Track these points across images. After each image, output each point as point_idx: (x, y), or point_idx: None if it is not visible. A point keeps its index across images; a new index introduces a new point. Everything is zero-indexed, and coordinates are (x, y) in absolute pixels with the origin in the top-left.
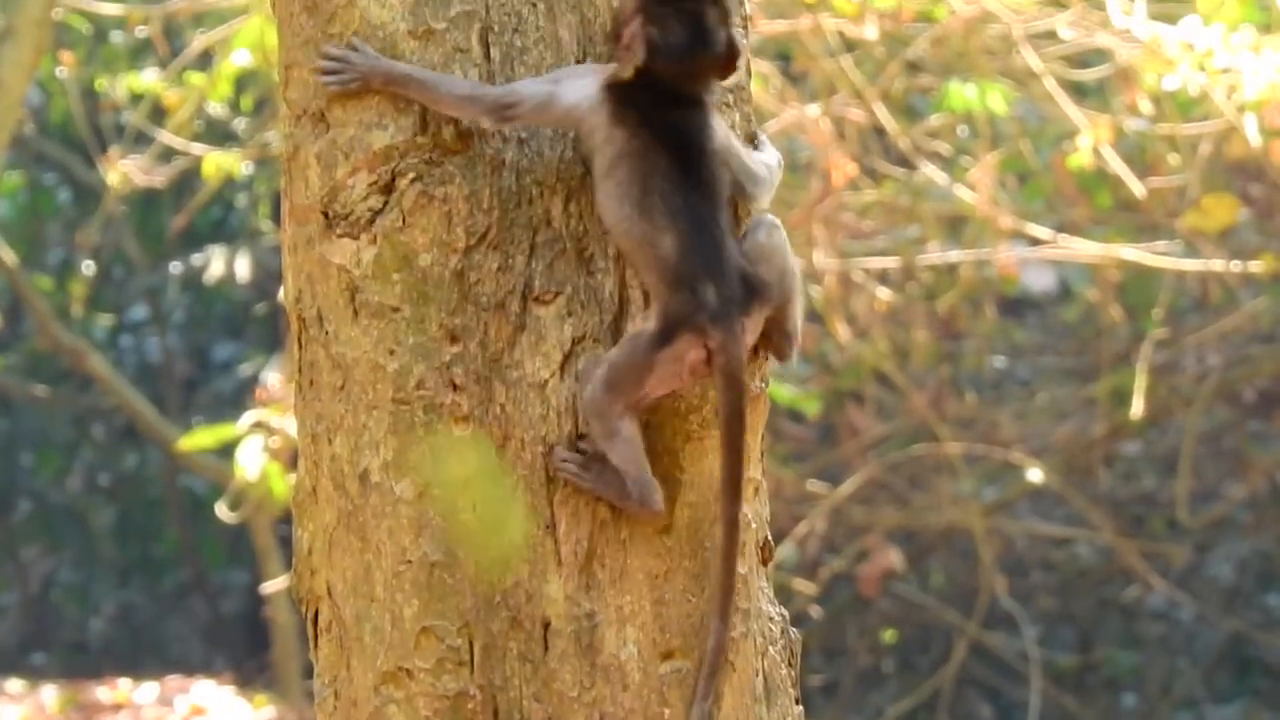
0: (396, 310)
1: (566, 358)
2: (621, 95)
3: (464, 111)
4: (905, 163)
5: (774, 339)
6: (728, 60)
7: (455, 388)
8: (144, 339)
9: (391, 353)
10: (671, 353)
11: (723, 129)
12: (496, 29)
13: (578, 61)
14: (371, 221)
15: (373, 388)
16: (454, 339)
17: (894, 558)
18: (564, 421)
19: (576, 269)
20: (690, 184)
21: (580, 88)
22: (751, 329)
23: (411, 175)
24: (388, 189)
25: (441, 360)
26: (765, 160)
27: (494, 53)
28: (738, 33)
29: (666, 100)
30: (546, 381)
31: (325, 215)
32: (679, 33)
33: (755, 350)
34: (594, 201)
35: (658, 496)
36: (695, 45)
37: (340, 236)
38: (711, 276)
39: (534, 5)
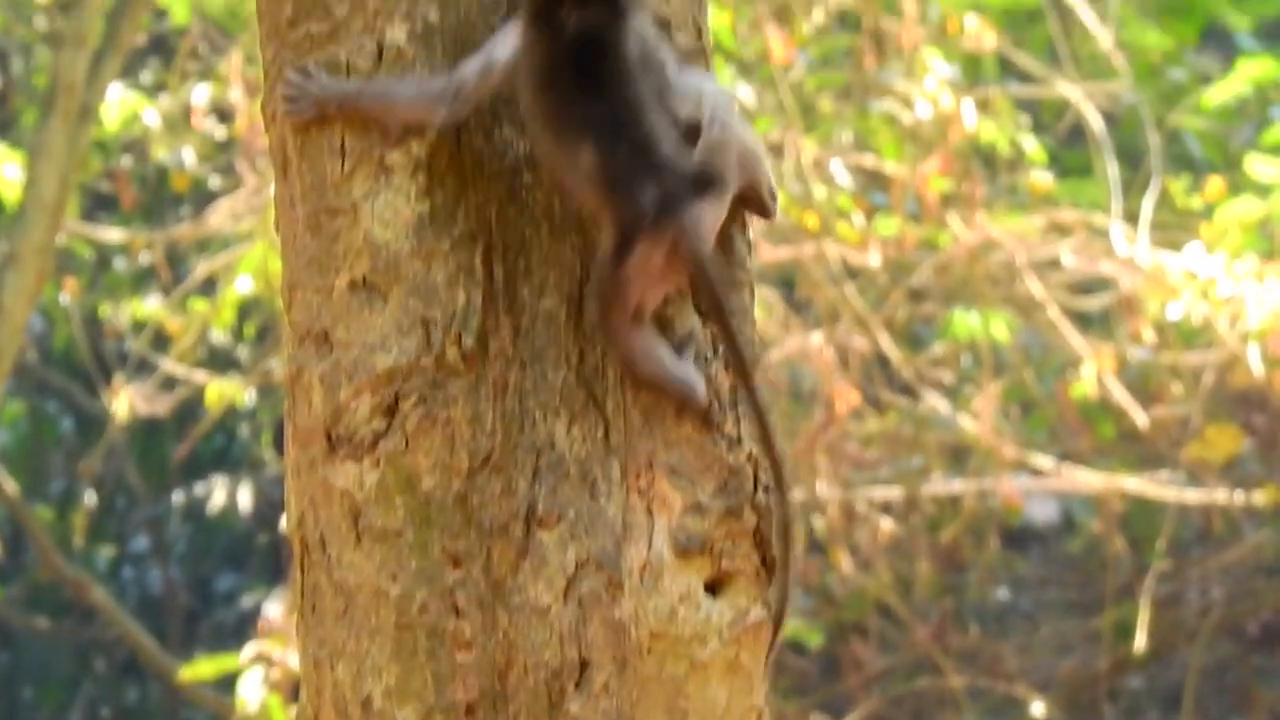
0: (399, 534)
1: (570, 583)
2: (534, 26)
3: (418, 112)
4: (909, 391)
5: (753, 205)
6: None
7: (458, 613)
8: (146, 570)
9: (394, 577)
10: (635, 263)
11: (648, 36)
12: (500, 249)
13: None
14: (375, 444)
15: (375, 613)
16: (457, 563)
17: None
18: (568, 647)
19: (580, 492)
20: (601, 92)
21: (507, 41)
22: (712, 213)
23: (415, 397)
24: (391, 411)
25: (444, 585)
26: (697, 81)
27: (497, 273)
28: None
29: (576, 17)
30: (550, 607)
31: (328, 438)
32: None
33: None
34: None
35: (700, 390)
36: None
37: (343, 460)
38: (647, 175)
39: (537, 225)
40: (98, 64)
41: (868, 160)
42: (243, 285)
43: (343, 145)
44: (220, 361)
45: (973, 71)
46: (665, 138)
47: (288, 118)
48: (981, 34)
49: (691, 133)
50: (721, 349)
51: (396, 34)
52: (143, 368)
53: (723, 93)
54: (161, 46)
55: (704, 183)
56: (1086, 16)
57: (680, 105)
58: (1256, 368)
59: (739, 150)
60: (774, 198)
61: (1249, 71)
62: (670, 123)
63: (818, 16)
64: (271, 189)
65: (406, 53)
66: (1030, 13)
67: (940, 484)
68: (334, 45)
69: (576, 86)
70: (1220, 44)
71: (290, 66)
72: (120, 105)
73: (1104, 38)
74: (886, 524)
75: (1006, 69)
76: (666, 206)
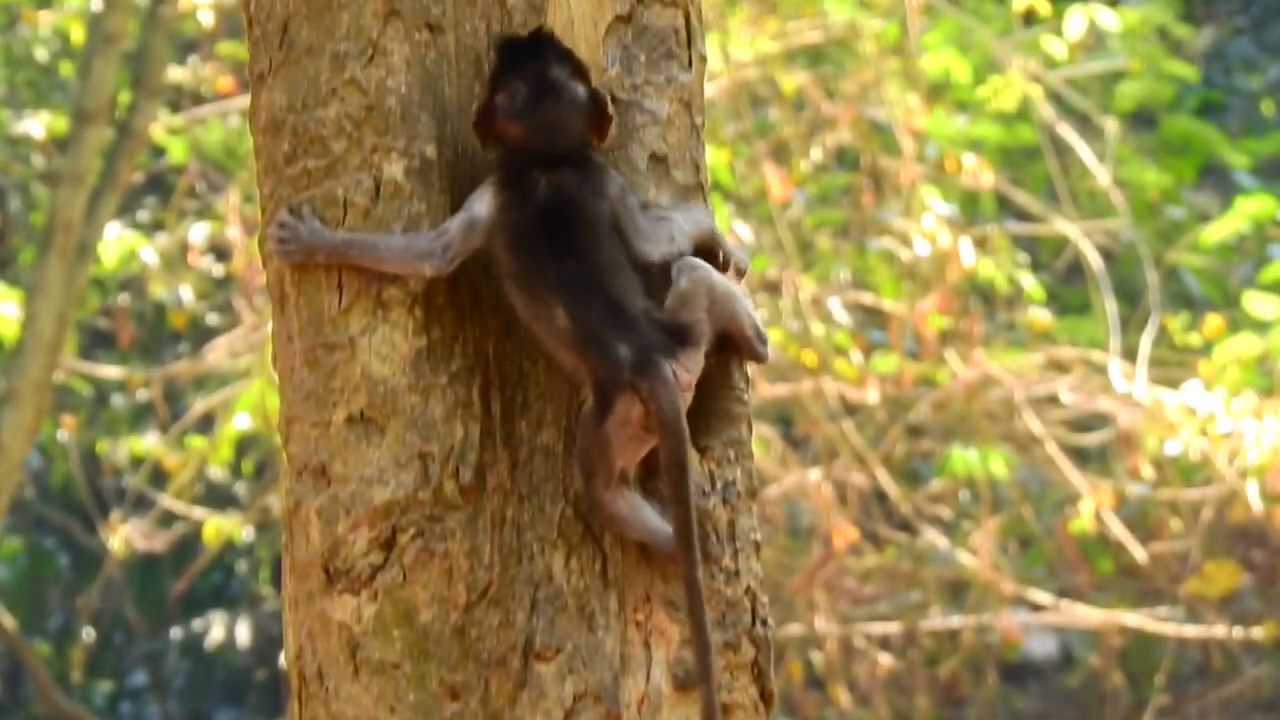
0: (397, 667)
1: (568, 715)
2: (507, 187)
3: (407, 266)
4: (907, 527)
5: (743, 350)
6: (593, 112)
7: None
8: (144, 705)
9: (392, 710)
10: (616, 419)
11: (614, 188)
12: (497, 384)
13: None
14: (372, 577)
15: None
16: (455, 696)
17: None
18: None
19: (578, 625)
20: (568, 252)
21: (484, 200)
22: (686, 370)
23: (412, 531)
24: (389, 544)
25: (442, 718)
26: (666, 218)
27: (494, 407)
28: (602, 90)
29: (546, 173)
30: None
31: (326, 571)
32: (524, 91)
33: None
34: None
35: (663, 531)
36: (542, 99)
37: (341, 593)
38: (620, 333)
39: (534, 361)
40: (95, 202)
41: (866, 297)
42: (240, 421)
43: (340, 281)
44: (218, 497)
45: (971, 209)
46: (636, 295)
47: (279, 259)
48: (979, 172)
49: (664, 275)
50: (719, 485)
51: (394, 170)
52: (140, 504)
53: (691, 233)
54: (159, 184)
55: (678, 336)
56: (1085, 154)
57: (653, 249)
58: (1255, 503)
59: (712, 296)
60: (763, 340)
61: (1247, 209)
62: (639, 281)
63: (815, 154)
64: (269, 325)
65: (404, 188)
66: (1028, 150)
67: (939, 619)
68: (331, 181)
69: (548, 248)
70: (1219, 181)
71: (285, 204)
72: (118, 243)
73: (1102, 175)
74: (885, 659)
75: (1005, 206)
76: (641, 364)
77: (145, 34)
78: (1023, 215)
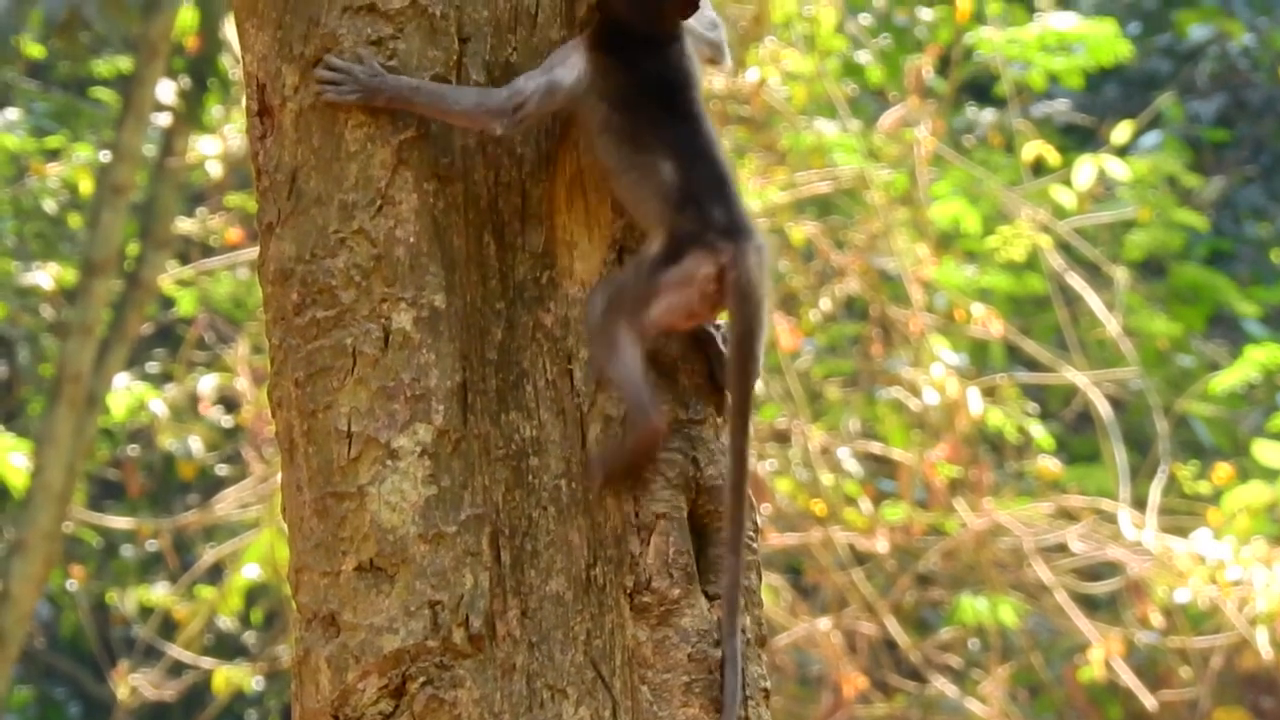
0: None
1: None
2: (604, 54)
3: (475, 120)
4: (916, 676)
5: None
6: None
7: None
8: None
9: None
10: (680, 272)
11: (698, 64)
12: (507, 532)
13: None
14: None
15: None
16: None
17: None
18: None
19: None
20: (681, 117)
21: (570, 66)
22: (762, 255)
23: (422, 679)
24: (398, 693)
25: None
26: (714, 19)
27: (504, 556)
28: None
29: (643, 46)
30: None
31: (336, 719)
32: None
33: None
34: (593, 158)
35: (656, 413)
36: None
37: None
38: (718, 199)
39: (544, 509)
40: (104, 353)
41: (875, 447)
42: (250, 572)
43: (349, 430)
44: (227, 647)
45: (980, 358)
46: (733, 176)
47: (325, 97)
48: (988, 321)
49: None
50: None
51: (402, 319)
52: (150, 653)
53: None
54: (168, 336)
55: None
56: (1094, 303)
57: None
58: (1265, 651)
59: None
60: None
61: (1257, 357)
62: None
63: (824, 304)
64: (278, 476)
65: (413, 338)
66: (1037, 300)
67: None
68: (340, 331)
69: (663, 110)
70: (1228, 330)
71: (345, 48)
72: (127, 394)
73: (1111, 324)
74: None
75: (1014, 355)
76: (729, 229)
77: (154, 185)
78: (1032, 364)
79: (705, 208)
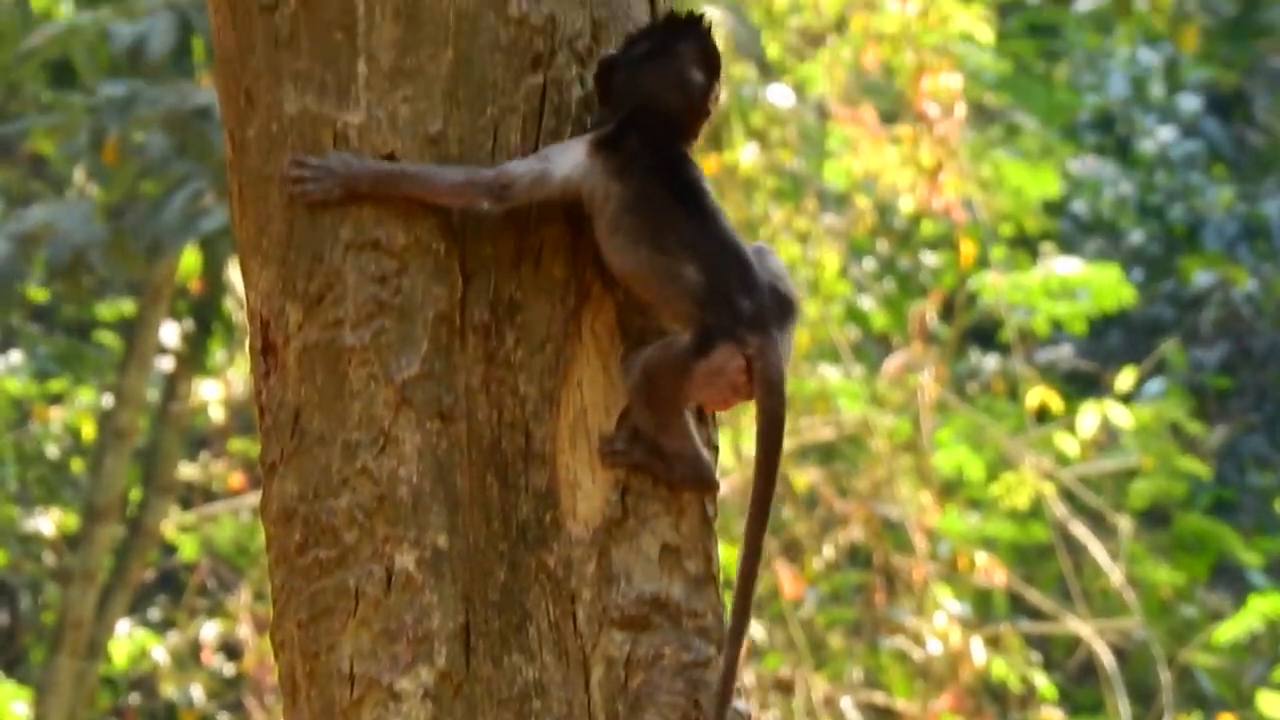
0: None
1: None
2: (610, 152)
3: (461, 198)
4: None
5: None
6: (704, 105)
7: None
8: None
9: None
10: (709, 365)
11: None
12: None
13: None
14: None
15: None
16: None
17: None
18: None
19: None
20: (698, 214)
21: (570, 158)
22: (786, 344)
23: None
24: None
25: None
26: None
27: None
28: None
29: (652, 147)
30: None
31: None
32: (661, 80)
33: None
34: (606, 261)
35: (712, 472)
36: (681, 90)
37: None
38: (744, 290)
39: None
40: (106, 600)
41: (878, 697)
42: None
43: (351, 672)
44: None
45: (983, 607)
46: (754, 264)
47: (308, 199)
48: (992, 570)
49: None
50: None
51: (405, 560)
52: None
53: None
54: (170, 582)
55: (785, 306)
56: (1098, 552)
57: None
58: None
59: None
60: None
61: (1260, 607)
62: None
63: (828, 552)
64: None
65: (415, 579)
66: (1041, 548)
67: None
68: (342, 571)
69: (676, 209)
70: (1232, 580)
71: (301, 155)
72: (129, 641)
73: (1115, 574)
74: None
75: (1017, 605)
76: (756, 320)
77: (156, 430)
78: (1035, 614)
79: (732, 301)
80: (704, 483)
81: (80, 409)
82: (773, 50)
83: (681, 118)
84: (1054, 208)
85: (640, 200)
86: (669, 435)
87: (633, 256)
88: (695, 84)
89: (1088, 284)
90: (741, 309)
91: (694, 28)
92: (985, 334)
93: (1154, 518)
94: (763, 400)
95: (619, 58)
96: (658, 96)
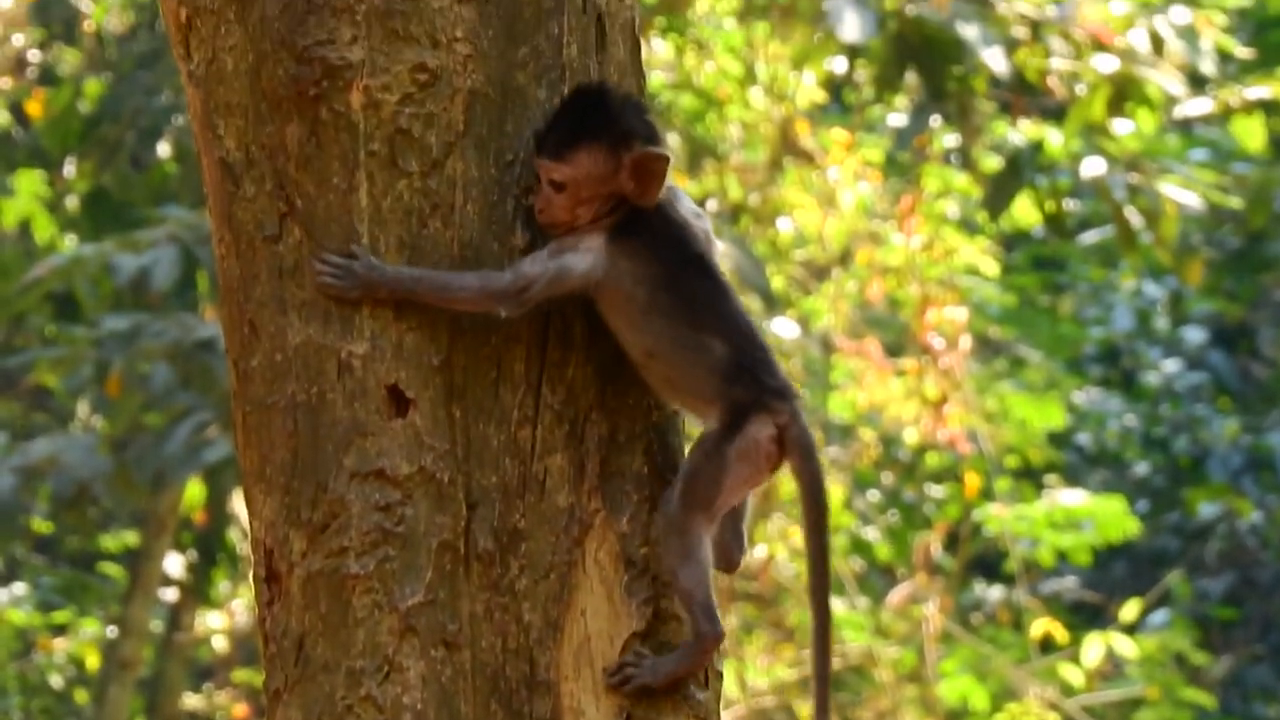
0: None
1: None
2: (631, 238)
3: (480, 304)
4: None
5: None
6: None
7: None
8: None
9: None
10: (744, 441)
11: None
12: None
13: None
14: None
15: None
16: None
17: None
18: None
19: None
20: (719, 290)
21: (585, 254)
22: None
23: None
24: None
25: None
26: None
27: None
28: None
29: (654, 222)
30: None
31: None
32: (663, 147)
33: None
34: (625, 345)
35: (719, 621)
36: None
37: None
38: (764, 363)
39: None
40: None
41: None
42: None
43: None
44: None
45: None
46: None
47: (328, 292)
48: None
49: None
50: None
51: None
52: None
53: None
54: None
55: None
56: None
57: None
58: None
59: None
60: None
61: None
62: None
63: None
64: None
65: None
66: None
67: None
68: None
69: (702, 286)
70: None
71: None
72: None
73: None
74: None
75: None
76: (782, 390)
77: (160, 661)
78: None
79: (757, 375)
80: (710, 637)
81: (84, 640)
82: (777, 283)
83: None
84: (1059, 439)
85: (669, 280)
86: (689, 569)
87: (670, 334)
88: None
89: (1092, 515)
90: (766, 382)
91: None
92: (990, 565)
93: None
94: (800, 465)
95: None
96: (665, 163)
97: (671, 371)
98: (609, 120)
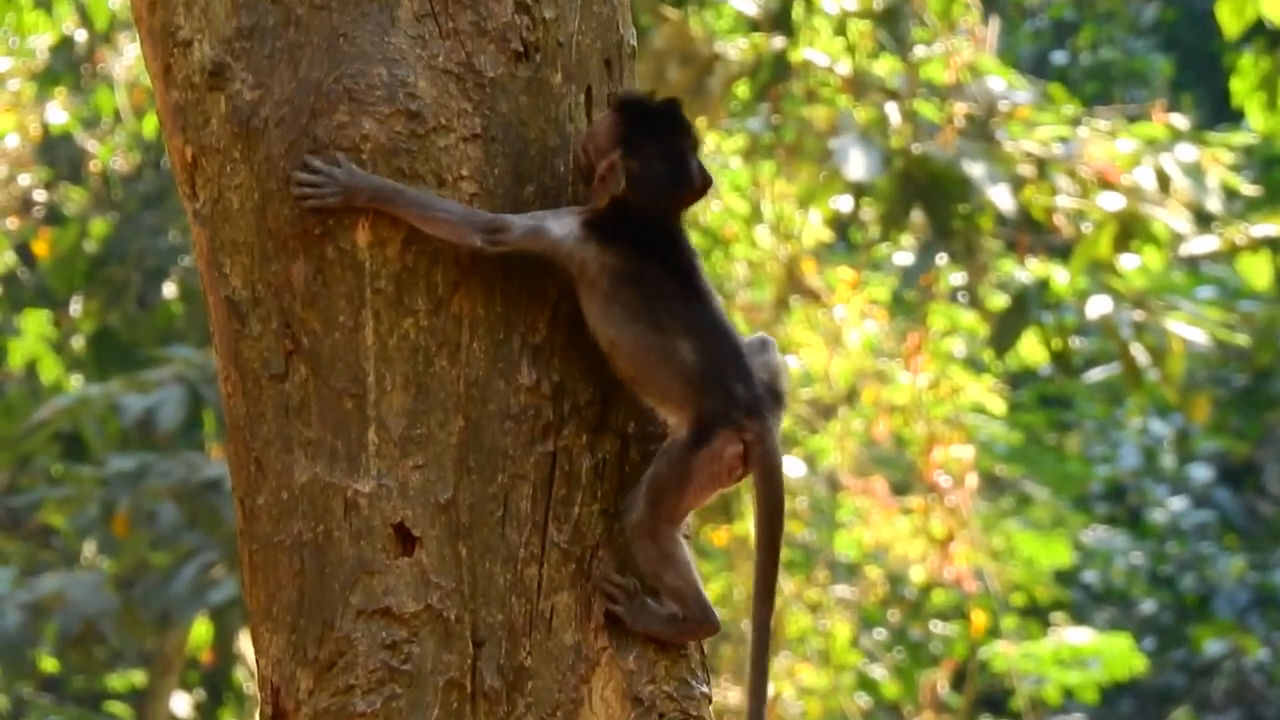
0: None
1: None
2: (603, 227)
3: (455, 231)
4: None
5: None
6: (703, 190)
7: None
8: None
9: None
10: (709, 452)
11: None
12: None
13: None
14: None
15: None
16: None
17: None
18: None
19: None
20: (693, 295)
21: (564, 224)
22: (779, 427)
23: None
24: None
25: None
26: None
27: None
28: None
29: (645, 226)
30: None
31: None
32: (659, 167)
33: None
34: (593, 333)
35: (714, 612)
36: (676, 179)
37: None
38: (738, 376)
39: None
40: None
41: None
42: None
43: None
44: None
45: None
46: (746, 351)
47: (307, 204)
48: None
49: None
50: None
51: None
52: None
53: None
54: None
55: (776, 397)
56: None
57: None
58: None
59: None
60: None
61: None
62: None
63: None
64: None
65: None
66: None
67: None
68: None
69: (679, 291)
70: None
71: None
72: None
73: None
74: None
75: None
76: (752, 407)
77: None
78: None
79: (728, 386)
80: (705, 625)
81: None
82: (784, 422)
83: (681, 200)
84: (1066, 577)
85: (636, 275)
86: (671, 569)
87: (629, 330)
88: (691, 168)
89: (1099, 653)
90: (737, 395)
91: (670, 113)
92: (996, 702)
93: None
94: (762, 487)
95: (622, 169)
96: (656, 182)
97: (633, 368)
98: (646, 124)
